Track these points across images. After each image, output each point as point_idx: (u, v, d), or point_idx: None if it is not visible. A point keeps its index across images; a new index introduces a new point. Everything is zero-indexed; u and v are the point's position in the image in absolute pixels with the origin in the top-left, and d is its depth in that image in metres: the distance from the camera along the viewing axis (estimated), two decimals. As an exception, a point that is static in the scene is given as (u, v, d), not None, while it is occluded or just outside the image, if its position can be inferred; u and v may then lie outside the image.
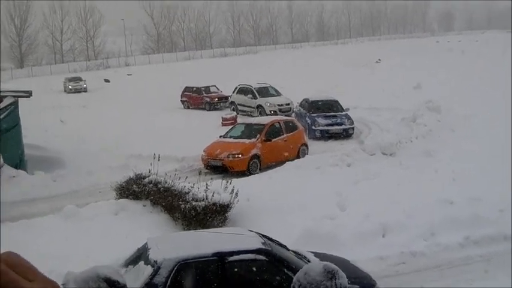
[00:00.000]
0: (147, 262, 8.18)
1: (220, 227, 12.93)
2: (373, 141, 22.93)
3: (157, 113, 37.41)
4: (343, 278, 3.13)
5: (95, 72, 78.87)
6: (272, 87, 37.17)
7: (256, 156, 20.81)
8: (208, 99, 41.00)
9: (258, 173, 19.78)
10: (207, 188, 13.91)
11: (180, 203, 13.67)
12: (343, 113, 27.02)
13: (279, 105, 34.64)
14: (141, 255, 8.64)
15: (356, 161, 19.95)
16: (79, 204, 15.24)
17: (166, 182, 14.80)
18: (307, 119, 26.89)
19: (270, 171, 19.61)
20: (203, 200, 13.56)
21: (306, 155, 22.00)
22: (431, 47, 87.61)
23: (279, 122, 22.72)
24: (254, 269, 8.35)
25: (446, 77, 43.67)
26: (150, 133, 27.14)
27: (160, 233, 12.41)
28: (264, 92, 36.25)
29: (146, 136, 26.06)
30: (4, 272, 1.17)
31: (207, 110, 39.96)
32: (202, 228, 12.56)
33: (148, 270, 8.00)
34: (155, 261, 8.02)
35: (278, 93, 36.44)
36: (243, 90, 37.19)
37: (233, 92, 38.23)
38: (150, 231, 12.03)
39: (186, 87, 43.21)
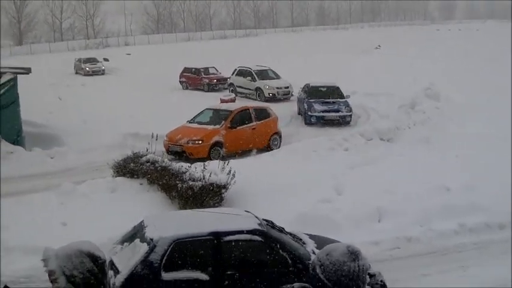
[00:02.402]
0: (143, 240, 8.20)
1: (217, 207, 12.92)
2: (371, 126, 22.80)
3: (155, 92, 37.27)
4: (365, 260, 3.13)
5: (94, 51, 78.37)
6: (271, 70, 37.01)
7: (218, 143, 20.01)
8: (207, 81, 40.80)
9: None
10: (204, 168, 13.94)
11: (177, 182, 13.68)
12: (343, 99, 26.57)
13: (277, 88, 34.52)
14: (137, 233, 8.65)
15: (353, 146, 19.86)
16: (76, 181, 15.21)
17: (163, 161, 14.83)
18: (304, 104, 26.56)
19: (265, 154, 19.62)
20: (200, 180, 13.59)
21: (278, 145, 21.60)
22: (432, 35, 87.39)
23: (248, 109, 21.92)
24: (249, 249, 8.37)
25: (445, 64, 43.60)
26: (148, 112, 27.03)
27: (156, 211, 12.43)
28: (263, 74, 36.09)
29: (144, 115, 25.94)
30: None
31: (206, 91, 39.77)
32: (199, 208, 12.48)
33: (144, 248, 8.02)
34: (151, 239, 8.04)
35: (277, 76, 36.29)
36: (242, 73, 37.04)
37: (232, 74, 38.02)
38: (147, 210, 12.03)
39: (185, 68, 43.02)
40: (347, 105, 25.98)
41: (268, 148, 21.38)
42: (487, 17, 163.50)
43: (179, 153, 19.82)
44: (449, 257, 11.53)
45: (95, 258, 3.17)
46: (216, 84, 40.67)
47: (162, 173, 14.26)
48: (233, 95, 32.64)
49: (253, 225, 8.58)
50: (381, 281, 8.49)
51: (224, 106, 22.84)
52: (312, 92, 27.29)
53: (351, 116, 25.68)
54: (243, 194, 13.85)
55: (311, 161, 17.54)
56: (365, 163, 17.12)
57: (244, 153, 20.19)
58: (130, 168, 14.92)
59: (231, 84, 37.58)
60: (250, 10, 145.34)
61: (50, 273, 3.18)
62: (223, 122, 20.69)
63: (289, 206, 13.05)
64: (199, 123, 21.04)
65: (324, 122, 25.44)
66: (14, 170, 17.47)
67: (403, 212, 13.03)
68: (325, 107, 25.71)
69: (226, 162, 14.48)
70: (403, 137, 21.85)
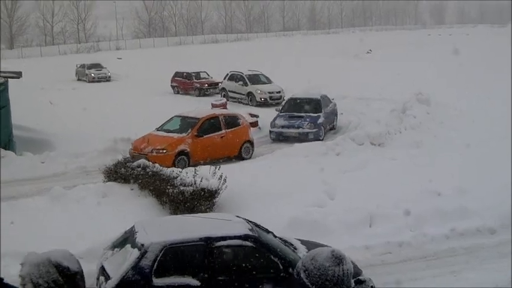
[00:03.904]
0: (134, 245, 8.21)
1: (208, 212, 12.89)
2: (362, 131, 22.78)
3: (146, 97, 37.32)
4: (350, 264, 3.12)
5: (85, 55, 78.25)
6: (263, 75, 37.10)
7: (183, 152, 19.63)
8: (198, 85, 40.90)
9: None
10: (195, 173, 13.94)
11: (168, 187, 13.64)
12: (315, 114, 25.37)
13: (269, 92, 34.67)
14: (128, 238, 8.66)
15: (345, 151, 19.96)
16: (67, 186, 15.18)
17: (154, 166, 14.80)
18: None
19: (257, 159, 19.73)
20: (191, 185, 13.57)
21: (251, 154, 21.48)
22: (423, 39, 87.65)
23: (217, 117, 21.49)
24: (241, 254, 8.40)
25: (437, 69, 43.70)
26: (139, 117, 26.95)
27: (147, 216, 12.36)
28: (255, 79, 36.22)
29: (135, 120, 25.89)
30: None
31: (197, 96, 39.87)
32: (190, 213, 12.51)
33: (135, 253, 8.02)
34: (142, 245, 8.05)
35: (269, 81, 36.39)
36: (234, 77, 37.12)
37: (224, 79, 38.16)
38: (138, 215, 11.97)
39: (177, 73, 43.06)
40: (314, 121, 24.76)
41: (239, 157, 21.23)
42: (478, 21, 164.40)
43: None
44: (440, 261, 11.52)
45: (62, 269, 3.11)
46: (207, 88, 40.75)
47: (153, 178, 14.22)
48: (224, 100, 32.66)
49: (244, 230, 8.60)
50: (372, 286, 8.54)
51: (192, 113, 21.87)
52: (289, 105, 26.66)
53: (314, 133, 24.26)
54: (235, 199, 13.80)
55: (303, 166, 17.51)
56: (357, 168, 17.11)
57: (213, 162, 18.90)
58: (121, 173, 14.85)
59: (223, 89, 37.66)
60: (241, 14, 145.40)
61: (21, 279, 3.19)
62: (190, 130, 20.38)
63: (280, 210, 13.04)
64: (167, 131, 20.70)
65: (282, 138, 24.45)
66: (4, 174, 17.34)
67: (394, 216, 13.01)
68: (286, 122, 24.88)
69: (218, 167, 14.46)
70: (395, 141, 21.88)
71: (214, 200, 13.68)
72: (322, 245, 9.45)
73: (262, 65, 41.97)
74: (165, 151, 19.29)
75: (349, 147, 20.50)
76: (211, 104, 30.80)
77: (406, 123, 24.30)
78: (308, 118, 24.84)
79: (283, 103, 28.88)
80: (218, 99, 33.72)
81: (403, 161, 18.23)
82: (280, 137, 24.57)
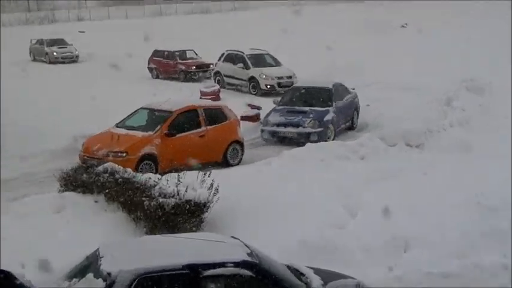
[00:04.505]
0: (98, 275, 8.12)
1: (195, 231, 12.99)
2: (394, 128, 22.73)
3: (116, 83, 37.31)
4: None
5: (37, 28, 78.12)
6: (269, 55, 37.10)
7: (149, 156, 19.29)
8: (183, 67, 40.95)
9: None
10: (178, 181, 13.98)
11: (144, 199, 13.68)
12: (322, 108, 24.99)
13: (278, 78, 34.62)
14: (90, 265, 8.60)
15: (372, 154, 19.94)
16: (12, 197, 15.16)
17: (126, 172, 14.79)
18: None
19: (260, 163, 19.67)
20: (173, 196, 13.65)
21: (239, 158, 21.46)
22: (475, 9, 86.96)
23: (196, 110, 21.06)
24: (237, 286, 8.32)
25: (493, 49, 43.32)
26: (107, 109, 26.78)
27: (116, 237, 12.40)
28: (259, 60, 36.21)
29: (100, 113, 25.69)
30: None
31: (182, 81, 39.85)
32: (171, 232, 12.56)
33: (99, 284, 7.93)
34: (108, 274, 7.98)
35: (277, 63, 36.36)
36: (231, 58, 37.10)
37: (219, 60, 38.16)
38: (103, 235, 12.12)
39: (156, 51, 43.06)
40: (319, 117, 24.33)
41: (224, 163, 21.08)
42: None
43: None
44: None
45: None
46: (195, 72, 40.80)
47: (124, 187, 14.22)
48: (217, 87, 32.65)
49: (241, 255, 8.56)
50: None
51: (164, 105, 21.24)
52: (290, 95, 26.53)
53: (318, 133, 23.77)
54: (229, 214, 13.87)
55: (317, 173, 17.37)
56: (387, 176, 16.99)
57: (189, 169, 18.30)
58: (82, 180, 14.82)
59: (217, 73, 37.70)
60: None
61: None
62: (159, 126, 20.00)
63: (289, 231, 13.04)
64: (129, 127, 20.39)
65: (277, 139, 24.32)
66: None
67: (435, 239, 12.97)
68: (283, 118, 24.47)
69: (208, 173, 14.49)
70: (437, 142, 21.95)
71: (203, 216, 13.76)
72: (343, 276, 9.40)
73: (268, 43, 41.91)
74: (124, 154, 18.88)
75: (378, 149, 20.52)
76: (200, 91, 30.79)
77: (452, 119, 24.25)
78: (312, 114, 24.46)
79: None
80: (209, 85, 33.72)
81: (448, 167, 18.10)
82: (273, 138, 24.41)
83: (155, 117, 20.73)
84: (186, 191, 13.67)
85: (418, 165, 18.62)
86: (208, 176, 14.18)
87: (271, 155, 20.97)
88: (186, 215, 13.51)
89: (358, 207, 14.69)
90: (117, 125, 20.59)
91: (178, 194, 13.65)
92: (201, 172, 14.63)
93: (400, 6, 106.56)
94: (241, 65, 35.88)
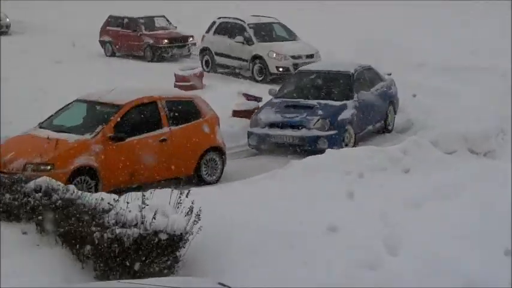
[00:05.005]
0: None
1: (167, 275, 12.74)
2: (452, 129, 22.40)
3: (58, 63, 37.67)
4: None
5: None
6: (281, 25, 36.78)
7: (86, 170, 18.78)
8: (151, 41, 40.82)
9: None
10: (143, 203, 13.28)
11: (93, 229, 13.02)
12: (339, 102, 24.62)
13: (293, 57, 34.39)
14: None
15: (420, 164, 19.16)
16: None
17: (67, 190, 14.27)
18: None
19: (260, 177, 19.16)
20: (136, 225, 13.02)
21: (218, 173, 21.39)
22: None
23: (155, 102, 20.62)
24: None
25: None
26: (43, 101, 26.90)
27: (54, 284, 12.10)
28: (267, 32, 35.98)
29: (22, 106, 26.17)
30: None
31: (149, 61, 39.75)
32: (133, 276, 12.32)
33: None
34: None
35: (292, 36, 36.04)
36: (226, 29, 36.88)
37: (207, 32, 37.97)
38: (36, 280, 11.88)
39: (111, 18, 43.01)
40: (332, 115, 23.81)
41: (197, 178, 20.91)
42: None
43: None
44: None
45: None
46: (167, 47, 40.54)
47: (65, 212, 13.65)
48: (198, 69, 32.37)
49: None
50: None
51: (111, 96, 20.69)
52: (296, 83, 26.42)
53: (330, 138, 23.32)
54: (216, 250, 13.38)
55: (342, 191, 16.66)
56: (441, 196, 16.32)
57: (146, 186, 17.96)
58: (4, 203, 14.28)
59: (205, 51, 37.38)
60: None
61: None
62: (100, 127, 19.42)
63: (301, 274, 12.63)
64: (58, 128, 19.76)
65: (268, 147, 23.85)
66: None
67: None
68: (279, 115, 23.90)
69: (186, 192, 13.89)
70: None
71: (178, 253, 13.29)
72: None
73: (277, 8, 41.66)
74: (49, 167, 18.31)
75: (428, 157, 19.63)
76: (175, 75, 30.55)
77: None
78: (322, 109, 23.97)
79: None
80: (187, 66, 33.45)
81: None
82: (264, 145, 23.82)
83: (96, 113, 20.37)
84: (154, 218, 12.98)
85: (489, 180, 17.79)
86: (186, 197, 13.54)
87: (273, 167, 20.61)
88: (155, 252, 12.96)
89: (400, 239, 14.16)
90: (40, 125, 20.05)
91: (143, 223, 12.98)
92: (175, 191, 14.01)
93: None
94: (240, 38, 35.56)
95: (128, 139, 19.52)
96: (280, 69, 33.71)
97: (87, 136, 19.15)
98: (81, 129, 19.60)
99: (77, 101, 20.79)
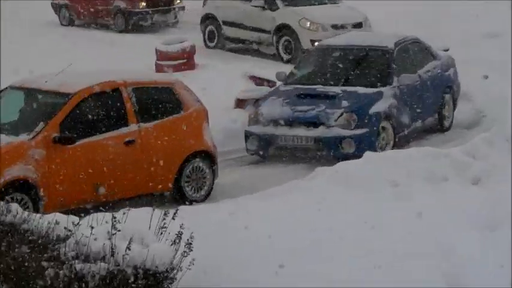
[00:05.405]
0: None
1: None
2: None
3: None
4: None
5: None
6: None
7: (21, 184, 18.31)
8: (123, 4, 40.81)
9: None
10: (114, 228, 12.80)
11: (45, 264, 12.58)
12: (372, 90, 24.15)
13: (334, 26, 34.12)
14: None
15: (495, 172, 18.82)
16: None
17: (9, 212, 13.79)
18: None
19: (270, 192, 18.55)
20: (104, 258, 12.57)
21: (208, 186, 21.12)
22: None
23: (118, 90, 20.10)
24: None
25: None
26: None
27: None
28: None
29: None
30: None
31: (120, 31, 39.83)
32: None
33: None
34: None
35: (331, -1, 35.67)
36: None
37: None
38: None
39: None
40: (361, 107, 23.45)
41: (178, 194, 20.76)
42: None
43: None
44: None
45: None
46: (146, 13, 40.58)
47: (7, 240, 13.19)
48: (187, 42, 32.15)
49: None
50: None
51: (55, 82, 20.10)
52: (314, 63, 26.11)
53: (359, 138, 22.88)
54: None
55: (386, 209, 16.53)
56: None
57: (107, 205, 17.36)
58: None
59: (209, 19, 37.20)
60: None
61: None
62: (42, 124, 18.89)
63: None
64: None
65: (273, 153, 23.36)
66: None
67: None
68: (288, 109, 23.39)
69: (173, 212, 13.45)
70: None
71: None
72: None
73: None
74: None
75: (505, 162, 19.20)
76: (157, 51, 30.36)
77: None
78: (346, 99, 23.40)
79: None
80: (175, 39, 33.25)
81: None
82: (266, 151, 23.49)
83: (36, 105, 19.92)
84: (128, 249, 12.43)
85: None
86: (173, 218, 13.13)
87: (290, 177, 20.07)
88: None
89: (468, 273, 13.95)
90: None
91: (113, 255, 12.52)
92: (157, 210, 13.61)
93: None
94: (259, 1, 35.28)
95: (80, 141, 19.02)
96: (314, 44, 32.27)
97: (24, 137, 18.65)
98: (15, 128, 19.06)
99: (10, 88, 20.27)
